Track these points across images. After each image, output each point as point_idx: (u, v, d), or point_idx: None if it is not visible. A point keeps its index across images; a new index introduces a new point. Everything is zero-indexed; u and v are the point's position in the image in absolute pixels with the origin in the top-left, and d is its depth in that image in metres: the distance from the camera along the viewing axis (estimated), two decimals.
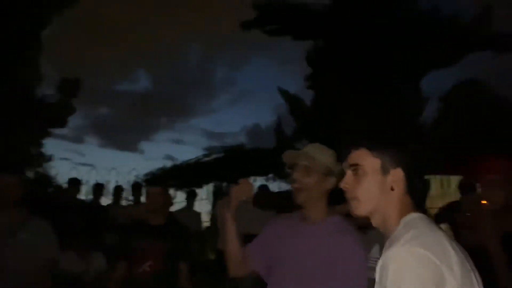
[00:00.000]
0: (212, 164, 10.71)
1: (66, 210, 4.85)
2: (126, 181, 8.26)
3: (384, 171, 1.27)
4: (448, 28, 9.26)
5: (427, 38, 9.07)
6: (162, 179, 6.89)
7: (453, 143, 8.05)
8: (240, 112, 31.42)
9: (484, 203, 3.25)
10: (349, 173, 1.32)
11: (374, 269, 1.20)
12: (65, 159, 14.45)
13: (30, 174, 9.01)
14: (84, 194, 7.32)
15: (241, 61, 27.00)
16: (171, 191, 6.23)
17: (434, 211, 4.96)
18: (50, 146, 10.35)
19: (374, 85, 9.05)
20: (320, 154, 1.90)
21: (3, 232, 2.52)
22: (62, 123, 10.31)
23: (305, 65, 10.59)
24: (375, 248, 2.10)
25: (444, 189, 9.21)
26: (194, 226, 6.08)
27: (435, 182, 9.07)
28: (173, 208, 4.91)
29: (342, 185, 1.33)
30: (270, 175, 10.08)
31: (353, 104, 8.99)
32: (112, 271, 3.19)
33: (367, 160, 1.29)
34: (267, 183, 8.63)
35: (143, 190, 5.80)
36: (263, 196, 5.68)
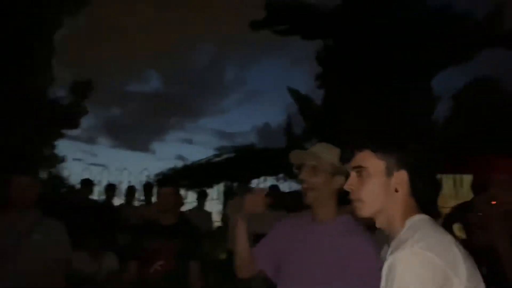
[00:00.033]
0: (223, 164, 10.73)
1: (79, 211, 4.91)
2: (138, 181, 8.36)
3: (388, 173, 1.27)
4: (461, 26, 9.18)
5: (439, 36, 8.99)
6: (173, 179, 6.91)
7: (465, 142, 7.98)
8: (250, 112, 31.44)
9: (494, 203, 3.22)
10: (353, 174, 1.33)
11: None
12: (78, 160, 14.64)
13: (43, 175, 9.12)
14: (97, 194, 7.41)
15: (251, 61, 26.99)
16: (182, 191, 6.26)
17: (446, 211, 4.92)
18: (62, 147, 10.52)
19: (384, 84, 9.00)
20: (327, 154, 1.88)
21: (18, 232, 2.55)
22: (75, 124, 10.44)
23: (315, 65, 10.60)
24: (385, 249, 2.09)
25: (457, 188, 9.12)
26: (205, 226, 6.12)
27: (447, 181, 9.00)
28: (184, 208, 4.94)
29: (346, 186, 1.34)
30: (281, 175, 10.06)
31: (363, 104, 8.95)
32: (124, 271, 3.22)
33: (371, 162, 1.29)
34: (278, 183, 8.65)
35: (155, 190, 5.84)
36: (273, 196, 5.67)
